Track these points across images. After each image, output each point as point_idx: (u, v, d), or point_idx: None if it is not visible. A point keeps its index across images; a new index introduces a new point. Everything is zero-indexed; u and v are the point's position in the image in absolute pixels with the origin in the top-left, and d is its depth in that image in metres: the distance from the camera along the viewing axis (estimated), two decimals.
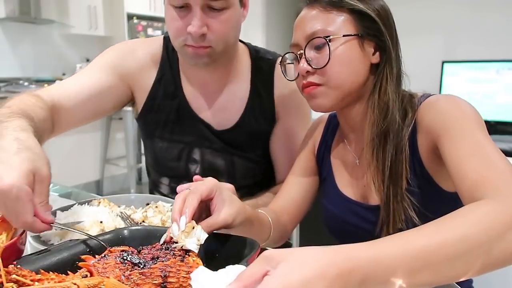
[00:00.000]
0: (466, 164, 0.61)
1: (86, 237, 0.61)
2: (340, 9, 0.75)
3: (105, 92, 1.00)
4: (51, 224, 0.59)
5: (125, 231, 0.64)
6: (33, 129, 0.66)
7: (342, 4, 0.75)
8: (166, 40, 1.06)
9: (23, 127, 0.63)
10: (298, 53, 0.78)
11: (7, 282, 0.43)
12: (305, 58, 0.76)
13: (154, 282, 0.49)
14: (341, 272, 0.41)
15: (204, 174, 1.06)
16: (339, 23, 0.75)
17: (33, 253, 0.56)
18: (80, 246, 0.59)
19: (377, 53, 0.77)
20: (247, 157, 1.07)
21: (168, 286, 0.50)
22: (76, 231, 0.66)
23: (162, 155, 1.09)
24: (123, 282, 0.49)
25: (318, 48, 0.75)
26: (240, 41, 1.07)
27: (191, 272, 0.50)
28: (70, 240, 0.63)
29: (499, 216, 0.48)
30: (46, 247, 0.58)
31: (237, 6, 0.92)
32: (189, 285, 0.50)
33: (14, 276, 0.44)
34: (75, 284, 0.43)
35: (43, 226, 0.58)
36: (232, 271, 0.45)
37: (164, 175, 1.12)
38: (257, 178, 1.10)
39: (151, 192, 1.19)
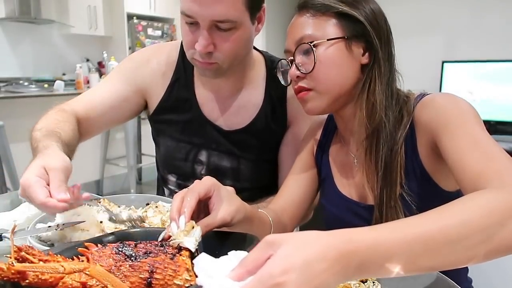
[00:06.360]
0: (467, 157, 0.61)
1: (86, 238, 0.61)
2: (327, 14, 0.76)
3: (122, 103, 1.08)
4: (65, 201, 0.67)
5: (127, 234, 0.64)
6: (57, 143, 0.82)
7: (328, 9, 0.76)
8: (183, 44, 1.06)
9: (46, 145, 0.80)
10: (289, 59, 0.80)
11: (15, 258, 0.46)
12: (295, 63, 0.78)
13: (140, 276, 0.50)
14: (341, 254, 0.41)
15: (209, 175, 1.08)
16: (325, 28, 0.76)
17: None
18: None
19: (367, 54, 0.77)
20: (253, 160, 1.07)
21: (153, 282, 0.50)
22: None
23: (170, 153, 1.11)
24: (113, 272, 0.50)
25: (306, 53, 0.77)
26: (257, 49, 1.09)
27: (178, 271, 0.51)
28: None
29: (502, 204, 0.48)
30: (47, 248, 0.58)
31: (247, 25, 0.90)
32: (174, 283, 0.50)
33: (23, 253, 0.47)
34: (62, 266, 0.46)
35: (57, 204, 0.66)
36: (235, 257, 0.45)
37: (172, 172, 1.14)
38: (261, 183, 1.10)
39: (158, 187, 1.22)
